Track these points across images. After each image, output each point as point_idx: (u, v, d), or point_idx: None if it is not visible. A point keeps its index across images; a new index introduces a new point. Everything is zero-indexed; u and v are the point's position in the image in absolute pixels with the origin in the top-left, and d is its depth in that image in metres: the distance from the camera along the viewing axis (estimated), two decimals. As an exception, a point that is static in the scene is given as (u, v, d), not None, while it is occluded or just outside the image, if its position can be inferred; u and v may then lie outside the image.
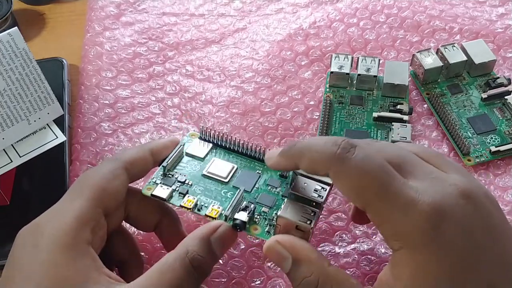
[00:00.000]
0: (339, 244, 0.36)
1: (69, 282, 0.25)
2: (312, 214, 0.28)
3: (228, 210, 0.29)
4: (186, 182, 0.32)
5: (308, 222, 0.28)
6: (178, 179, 0.32)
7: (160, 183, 0.32)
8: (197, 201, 0.31)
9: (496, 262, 0.25)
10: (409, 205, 0.24)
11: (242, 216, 0.29)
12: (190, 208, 0.30)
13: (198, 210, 0.30)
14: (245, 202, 0.30)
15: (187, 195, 0.31)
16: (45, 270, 0.25)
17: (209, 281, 0.34)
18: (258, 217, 0.30)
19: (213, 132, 0.34)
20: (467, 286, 0.24)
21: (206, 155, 0.34)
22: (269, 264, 0.35)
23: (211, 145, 0.34)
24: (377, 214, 0.26)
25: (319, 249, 0.35)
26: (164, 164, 0.32)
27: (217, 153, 0.34)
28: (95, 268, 0.26)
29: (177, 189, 0.31)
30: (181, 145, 0.34)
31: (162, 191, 0.31)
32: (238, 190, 0.31)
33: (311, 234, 0.28)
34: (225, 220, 0.29)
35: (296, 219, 0.28)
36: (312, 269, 0.26)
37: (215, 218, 0.29)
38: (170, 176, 0.32)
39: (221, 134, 0.34)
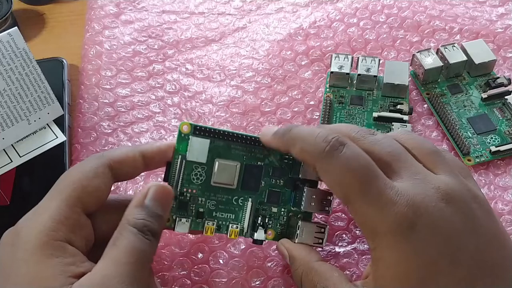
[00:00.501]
0: (339, 244, 0.36)
1: (41, 278, 0.25)
2: (322, 231, 0.32)
3: (247, 231, 0.32)
4: (199, 201, 0.32)
5: (321, 241, 0.32)
6: (191, 200, 0.32)
7: (177, 214, 0.31)
8: (215, 225, 0.32)
9: (478, 265, 0.25)
10: (386, 205, 0.25)
11: (260, 235, 0.32)
12: (212, 235, 0.32)
13: (218, 230, 0.32)
14: (260, 218, 0.33)
15: (205, 221, 0.32)
16: (19, 268, 0.25)
17: (209, 281, 0.34)
18: (270, 221, 0.33)
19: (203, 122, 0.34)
20: (441, 286, 0.25)
21: (207, 157, 0.32)
22: (269, 264, 0.35)
23: (208, 140, 0.32)
24: (357, 212, 0.27)
25: (319, 249, 0.35)
26: (178, 192, 0.31)
27: (217, 150, 0.32)
28: (73, 263, 0.26)
29: (193, 213, 0.32)
30: (180, 156, 0.31)
31: (183, 226, 0.31)
32: (250, 202, 0.32)
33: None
34: (246, 237, 0.33)
35: (311, 242, 0.32)
36: (300, 263, 0.30)
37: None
38: (182, 197, 0.31)
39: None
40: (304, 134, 0.29)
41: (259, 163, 0.33)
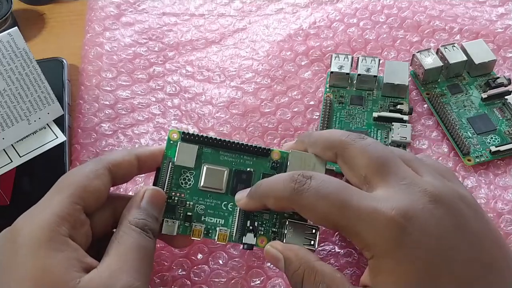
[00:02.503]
0: (339, 244, 0.36)
1: (50, 271, 0.25)
2: (313, 231, 0.31)
3: (236, 235, 0.32)
4: (187, 205, 0.32)
5: (312, 243, 0.31)
6: (179, 203, 0.32)
7: (165, 217, 0.32)
8: (203, 229, 0.32)
9: (473, 263, 0.25)
10: (372, 216, 0.26)
11: (250, 239, 0.32)
12: (200, 238, 0.32)
13: (207, 235, 0.32)
14: (249, 221, 0.32)
15: (193, 224, 0.32)
16: (26, 263, 0.25)
17: (208, 281, 0.34)
18: (262, 228, 0.32)
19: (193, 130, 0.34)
20: (442, 286, 0.25)
21: (196, 162, 0.33)
22: (268, 264, 0.35)
23: (196, 146, 0.33)
24: (347, 232, 0.27)
25: (319, 248, 0.35)
26: (166, 195, 0.32)
27: (205, 156, 0.33)
28: (77, 258, 0.26)
29: (181, 217, 0.32)
30: (168, 161, 0.32)
31: (170, 228, 0.32)
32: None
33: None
34: (235, 242, 0.32)
35: (301, 242, 0.31)
36: (300, 263, 0.28)
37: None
38: (170, 201, 0.32)
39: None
40: (272, 184, 0.30)
41: (248, 169, 0.33)
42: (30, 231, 0.26)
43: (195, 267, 0.35)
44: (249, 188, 0.31)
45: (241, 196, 0.32)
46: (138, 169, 0.32)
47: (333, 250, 0.35)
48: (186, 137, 0.33)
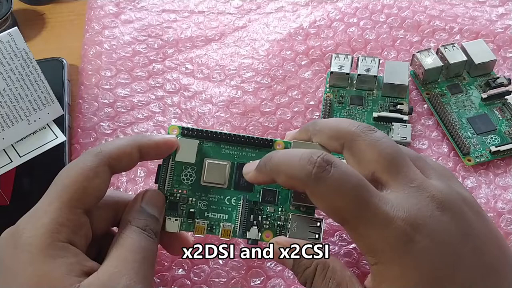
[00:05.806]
0: (339, 243, 0.36)
1: (48, 278, 0.25)
2: (318, 225, 0.30)
3: (240, 230, 0.31)
4: (189, 201, 0.32)
5: (317, 236, 0.30)
6: (181, 200, 0.32)
7: (168, 214, 0.31)
8: (207, 225, 0.31)
9: (476, 267, 0.25)
10: (384, 222, 0.25)
11: (254, 234, 0.31)
12: (203, 235, 0.32)
13: (210, 231, 0.32)
14: (252, 215, 0.31)
15: (196, 220, 0.32)
16: (25, 269, 0.25)
17: (208, 281, 0.34)
18: (267, 221, 0.31)
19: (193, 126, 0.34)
20: None
21: (197, 157, 0.32)
22: (268, 263, 0.35)
23: (197, 141, 0.32)
24: (354, 232, 0.26)
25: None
26: (166, 193, 0.32)
27: (206, 151, 0.33)
28: (77, 262, 0.26)
29: (184, 214, 0.32)
30: (168, 157, 0.32)
31: (172, 225, 0.31)
32: (242, 199, 0.32)
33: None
34: (239, 237, 0.31)
35: (305, 236, 0.30)
36: (311, 260, 0.28)
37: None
38: (172, 198, 0.32)
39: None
40: (287, 159, 0.28)
41: (251, 162, 0.32)
42: (30, 236, 0.26)
43: (195, 267, 0.35)
44: (258, 160, 0.30)
45: (250, 168, 0.31)
46: (139, 159, 0.31)
47: (333, 250, 0.35)
48: (186, 132, 0.33)
